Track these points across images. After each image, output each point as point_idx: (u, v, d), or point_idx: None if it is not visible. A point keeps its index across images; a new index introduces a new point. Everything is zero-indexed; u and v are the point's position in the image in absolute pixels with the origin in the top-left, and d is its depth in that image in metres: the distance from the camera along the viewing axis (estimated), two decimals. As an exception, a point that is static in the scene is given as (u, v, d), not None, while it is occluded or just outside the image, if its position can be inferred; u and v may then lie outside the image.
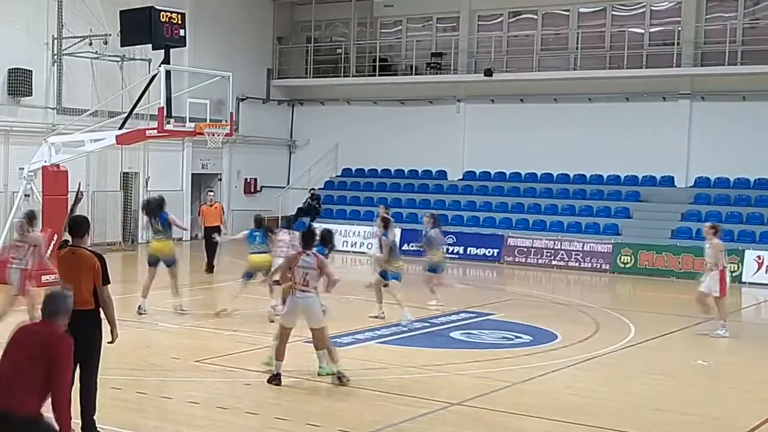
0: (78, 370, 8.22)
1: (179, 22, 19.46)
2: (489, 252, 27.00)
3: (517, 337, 15.03)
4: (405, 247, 27.82)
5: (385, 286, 15.96)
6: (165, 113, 18.84)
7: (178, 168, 30.42)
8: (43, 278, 14.84)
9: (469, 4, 31.69)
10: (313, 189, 31.86)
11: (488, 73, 29.95)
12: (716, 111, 27.44)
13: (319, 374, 11.36)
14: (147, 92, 20.04)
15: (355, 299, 17.91)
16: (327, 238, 12.74)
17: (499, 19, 31.70)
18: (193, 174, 30.91)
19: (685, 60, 27.95)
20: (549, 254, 26.13)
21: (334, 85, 33.42)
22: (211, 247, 22.05)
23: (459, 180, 31.50)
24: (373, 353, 13.33)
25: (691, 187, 27.87)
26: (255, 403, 10.41)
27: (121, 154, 27.00)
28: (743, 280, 23.40)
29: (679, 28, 28.15)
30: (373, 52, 33.16)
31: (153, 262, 16.18)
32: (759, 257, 23.56)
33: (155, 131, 19.55)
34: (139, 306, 15.78)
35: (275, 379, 10.99)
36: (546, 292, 21.80)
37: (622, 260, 25.13)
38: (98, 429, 8.56)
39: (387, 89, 32.50)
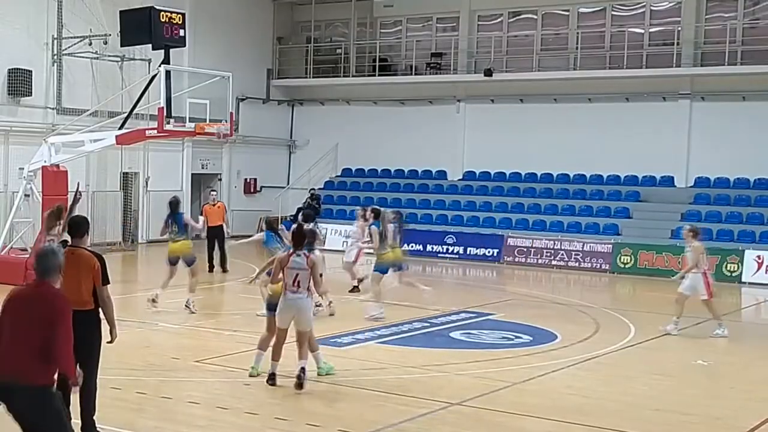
0: (77, 370, 8.22)
1: (179, 22, 19.46)
2: (489, 252, 27.00)
3: (517, 337, 15.02)
4: (405, 247, 27.95)
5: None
6: (165, 113, 18.84)
7: (178, 168, 30.42)
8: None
9: (469, 4, 31.69)
10: (313, 189, 31.86)
11: (488, 73, 29.95)
12: (716, 111, 27.44)
13: (318, 374, 11.36)
14: (147, 92, 20.03)
15: (354, 299, 17.94)
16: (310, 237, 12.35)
17: (499, 19, 31.70)
18: (192, 174, 30.92)
19: (685, 60, 27.96)
20: (549, 254, 26.13)
21: (334, 85, 33.42)
22: (214, 247, 22.07)
23: (459, 180, 31.50)
24: (372, 353, 13.33)
25: (691, 187, 27.87)
26: (255, 403, 10.40)
27: (121, 154, 27.01)
28: (743, 280, 23.43)
29: (679, 28, 28.15)
30: (373, 52, 33.16)
31: (173, 262, 16.39)
32: (759, 257, 23.57)
33: (155, 131, 19.55)
34: (153, 299, 15.99)
35: (271, 379, 10.95)
36: (546, 292, 21.79)
37: (622, 260, 25.14)
38: (98, 429, 8.56)
39: (387, 89, 32.51)
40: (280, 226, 17.03)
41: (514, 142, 30.24)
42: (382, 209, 17.75)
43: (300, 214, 19.76)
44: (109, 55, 25.95)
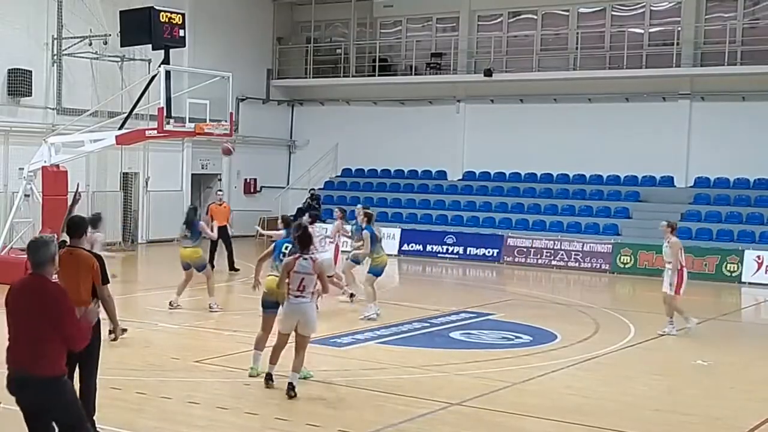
0: (77, 370, 8.24)
1: (179, 22, 19.45)
2: (489, 252, 27.01)
3: (516, 337, 15.02)
4: (405, 247, 28.01)
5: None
6: (165, 113, 18.83)
7: (178, 168, 30.42)
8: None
9: (469, 4, 31.70)
10: (313, 189, 31.85)
11: (488, 73, 29.95)
12: (716, 111, 27.45)
13: (305, 378, 11.06)
14: (147, 92, 20.02)
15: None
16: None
17: (499, 20, 31.71)
18: (192, 174, 30.92)
19: (685, 60, 27.96)
20: (549, 254, 26.14)
21: (334, 85, 33.43)
22: (216, 248, 22.03)
23: (459, 180, 31.50)
24: (372, 353, 13.33)
25: (690, 187, 27.88)
26: (255, 403, 10.40)
27: (120, 155, 27.01)
28: (743, 280, 23.45)
29: (679, 28, 28.16)
30: (372, 52, 33.16)
31: (186, 267, 16.54)
32: (759, 257, 23.57)
33: (155, 131, 19.54)
34: (171, 302, 16.37)
35: (268, 380, 10.90)
36: (546, 292, 21.80)
37: (621, 260, 25.14)
38: (98, 429, 8.55)
39: (387, 89, 32.51)
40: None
41: (513, 142, 30.25)
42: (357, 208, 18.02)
43: (306, 215, 19.82)
44: (109, 56, 25.95)
